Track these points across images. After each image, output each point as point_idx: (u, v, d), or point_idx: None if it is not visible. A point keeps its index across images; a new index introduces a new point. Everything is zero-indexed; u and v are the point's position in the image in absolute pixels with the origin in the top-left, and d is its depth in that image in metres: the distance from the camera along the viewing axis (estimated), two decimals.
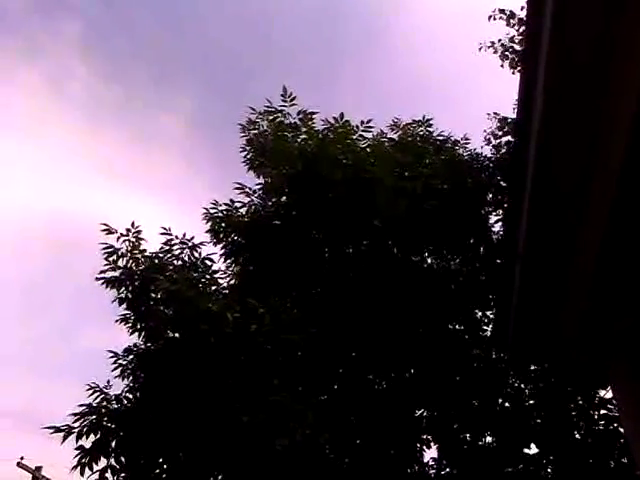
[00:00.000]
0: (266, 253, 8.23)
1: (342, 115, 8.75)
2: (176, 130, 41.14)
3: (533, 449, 7.40)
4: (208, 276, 7.63)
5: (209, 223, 8.73)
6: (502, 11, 11.20)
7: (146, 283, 7.25)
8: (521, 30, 10.75)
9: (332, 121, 8.82)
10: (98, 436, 6.30)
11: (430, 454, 7.82)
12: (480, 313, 8.58)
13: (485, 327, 8.48)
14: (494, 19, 11.28)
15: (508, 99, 11.25)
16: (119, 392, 6.81)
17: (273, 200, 9.04)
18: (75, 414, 6.37)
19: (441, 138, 9.65)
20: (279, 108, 9.09)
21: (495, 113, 10.87)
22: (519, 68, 10.06)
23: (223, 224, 8.75)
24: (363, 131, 8.86)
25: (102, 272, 7.45)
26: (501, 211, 9.08)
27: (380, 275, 7.97)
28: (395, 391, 7.76)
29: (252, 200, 9.00)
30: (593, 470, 7.02)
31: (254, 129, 9.38)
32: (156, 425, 6.21)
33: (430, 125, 9.68)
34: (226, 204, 8.81)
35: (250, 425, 5.73)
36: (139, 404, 6.65)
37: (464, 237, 8.82)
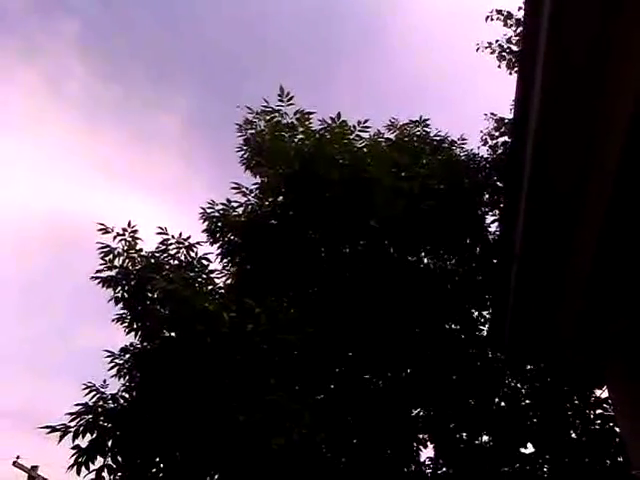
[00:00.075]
0: (263, 253, 8.22)
1: (339, 115, 8.74)
2: (174, 130, 41.08)
3: (529, 448, 7.42)
4: (204, 276, 7.62)
5: (206, 223, 8.72)
6: (499, 12, 11.21)
7: (142, 282, 7.24)
8: (518, 31, 10.77)
9: (329, 121, 8.81)
10: (94, 435, 6.28)
11: (426, 453, 7.85)
12: (476, 313, 8.60)
13: (481, 327, 8.50)
14: (491, 20, 11.29)
15: (505, 100, 11.25)
16: (115, 391, 6.81)
17: (270, 200, 9.02)
18: (71, 413, 6.35)
19: (438, 138, 9.65)
20: (276, 108, 9.07)
21: (492, 113, 10.90)
22: (516, 68, 10.07)
23: (220, 224, 8.74)
24: (360, 131, 8.84)
25: (98, 271, 7.45)
26: (497, 211, 9.10)
27: (377, 275, 7.97)
28: (391, 391, 7.76)
29: (249, 200, 8.99)
30: (589, 469, 7.05)
31: (251, 129, 9.37)
32: (152, 424, 6.20)
33: (427, 125, 9.69)
34: (223, 204, 8.80)
35: (247, 424, 5.72)
36: (135, 403, 6.64)
37: (461, 237, 8.83)
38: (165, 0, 34.65)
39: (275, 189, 8.90)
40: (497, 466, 7.41)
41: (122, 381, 6.96)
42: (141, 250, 7.64)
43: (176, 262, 7.65)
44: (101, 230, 7.57)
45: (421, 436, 7.82)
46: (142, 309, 7.24)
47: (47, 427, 6.27)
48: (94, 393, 6.63)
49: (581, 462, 7.14)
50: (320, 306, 7.69)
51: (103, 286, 7.38)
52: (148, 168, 40.26)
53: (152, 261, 7.50)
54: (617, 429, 6.77)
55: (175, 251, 7.74)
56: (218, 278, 8.18)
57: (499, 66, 11.40)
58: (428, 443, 7.81)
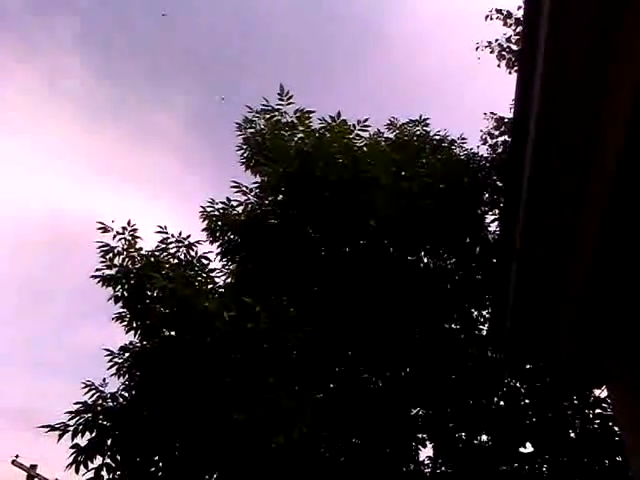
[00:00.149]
0: (262, 252, 8.22)
1: (339, 114, 8.74)
2: (174, 128, 41.02)
3: (528, 448, 7.42)
4: (204, 274, 7.64)
5: (205, 222, 8.73)
6: (499, 11, 11.20)
7: (142, 281, 7.25)
8: (518, 30, 10.77)
9: (329, 120, 8.82)
10: (94, 434, 6.29)
11: (426, 453, 7.86)
12: (476, 312, 8.59)
13: (481, 326, 8.50)
14: (491, 19, 11.28)
15: (505, 99, 11.25)
16: (115, 390, 6.82)
17: (270, 199, 9.02)
18: (71, 412, 6.36)
19: (437, 138, 9.67)
20: (276, 107, 9.09)
21: (492, 113, 10.89)
22: (516, 68, 10.07)
23: (219, 223, 8.74)
24: (360, 130, 8.84)
25: (98, 270, 7.45)
26: (497, 211, 9.09)
27: (376, 274, 7.97)
28: (391, 390, 7.77)
29: (248, 199, 9.00)
30: (588, 469, 7.05)
31: (251, 128, 9.38)
32: (152, 423, 6.20)
33: (427, 125, 9.70)
34: (222, 203, 8.80)
35: (246, 423, 5.72)
36: (135, 402, 6.65)
37: (460, 236, 8.82)
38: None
39: (275, 188, 8.90)
40: (496, 465, 7.41)
41: (121, 380, 6.98)
42: (141, 249, 7.65)
43: (176, 261, 7.66)
44: (101, 229, 7.59)
45: (420, 435, 7.82)
46: (142, 308, 7.24)
47: (46, 426, 6.28)
48: (93, 392, 6.64)
49: (580, 462, 7.15)
50: (320, 305, 7.69)
51: (103, 285, 7.39)
52: (147, 167, 40.26)
53: (152, 260, 7.51)
54: (616, 429, 6.77)
55: (175, 250, 7.76)
56: (218, 277, 8.21)
57: (499, 65, 11.40)
58: (427, 442, 7.82)
